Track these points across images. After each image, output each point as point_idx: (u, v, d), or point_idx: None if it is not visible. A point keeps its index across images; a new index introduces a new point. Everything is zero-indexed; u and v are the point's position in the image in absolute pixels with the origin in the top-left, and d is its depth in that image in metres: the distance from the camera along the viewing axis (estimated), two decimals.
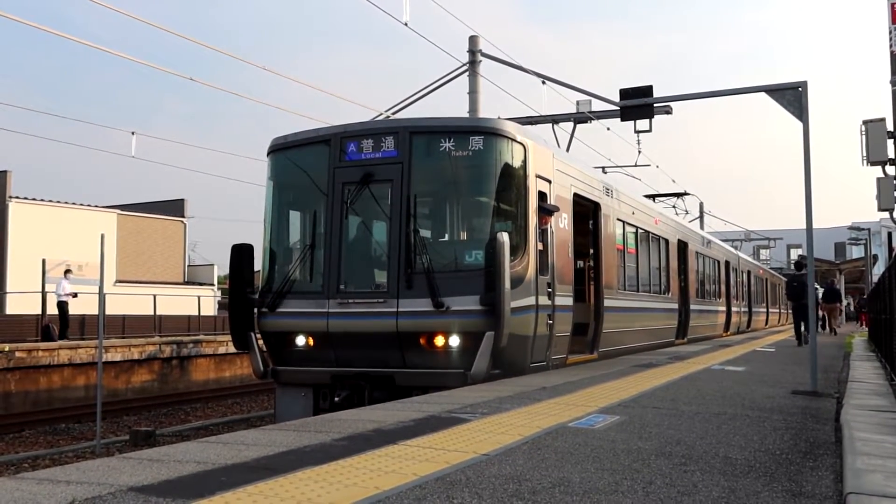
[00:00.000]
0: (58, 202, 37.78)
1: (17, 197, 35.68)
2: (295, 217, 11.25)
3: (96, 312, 15.31)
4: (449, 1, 18.71)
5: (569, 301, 11.47)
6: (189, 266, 47.48)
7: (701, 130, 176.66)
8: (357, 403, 9.21)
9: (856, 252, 63.13)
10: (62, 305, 22.80)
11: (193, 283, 45.21)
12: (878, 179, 16.73)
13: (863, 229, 48.80)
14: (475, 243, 10.04)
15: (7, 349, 18.56)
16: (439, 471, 4.37)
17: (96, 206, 40.35)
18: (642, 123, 14.44)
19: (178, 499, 3.66)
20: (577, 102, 18.61)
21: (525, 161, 10.25)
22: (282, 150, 11.00)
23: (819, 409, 7.72)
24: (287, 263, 10.85)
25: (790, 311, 48.15)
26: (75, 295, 22.82)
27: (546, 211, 10.67)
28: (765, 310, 39.81)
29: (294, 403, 10.31)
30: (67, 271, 23.63)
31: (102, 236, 13.57)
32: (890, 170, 16.75)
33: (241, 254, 10.81)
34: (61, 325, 22.74)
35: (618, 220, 14.61)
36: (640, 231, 16.36)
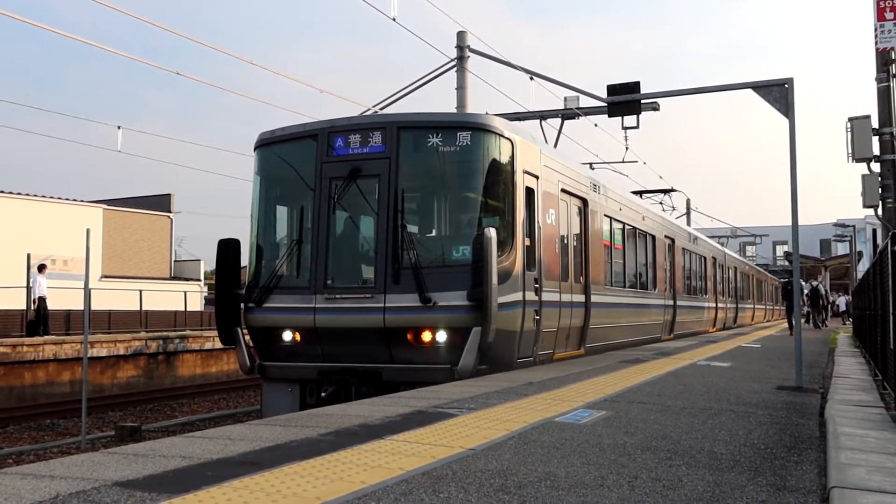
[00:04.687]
0: (42, 197, 37.49)
1: (0, 191, 35.39)
2: (282, 212, 11.21)
3: (82, 307, 15.21)
4: None
5: (556, 296, 11.49)
6: (175, 261, 47.22)
7: (688, 127, 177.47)
8: (344, 399, 9.19)
9: (841, 249, 63.56)
10: (40, 301, 22.51)
11: (180, 279, 45.00)
12: (863, 176, 16.81)
13: (848, 226, 49.18)
14: (462, 239, 10.03)
15: None
16: (426, 465, 4.37)
17: (82, 201, 40.07)
18: (629, 119, 14.44)
19: (163, 493, 3.64)
20: (565, 98, 18.62)
21: (513, 157, 10.25)
22: (269, 144, 10.96)
23: (804, 404, 7.77)
24: (274, 259, 10.81)
25: (775, 308, 49.41)
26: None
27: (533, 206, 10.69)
28: (751, 306, 40.03)
29: (281, 399, 10.28)
30: (42, 266, 23.29)
31: (88, 231, 13.48)
32: (875, 166, 16.83)
33: (228, 249, 10.76)
34: (38, 321, 22.42)
35: (605, 216, 14.64)
36: (627, 227, 16.40)
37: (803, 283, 33.25)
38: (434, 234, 10.84)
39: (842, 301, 47.61)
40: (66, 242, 33.73)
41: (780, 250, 75.02)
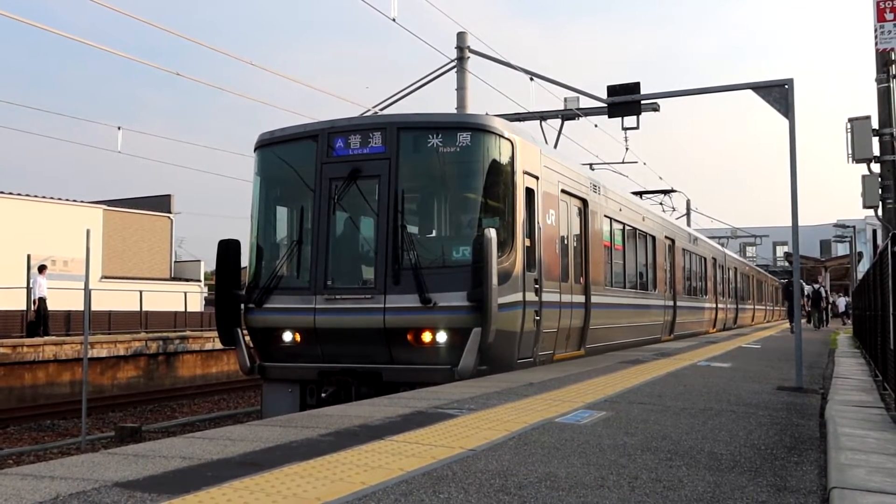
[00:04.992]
0: (42, 197, 37.50)
1: (0, 191, 35.40)
2: (282, 213, 11.21)
3: (82, 308, 15.21)
4: None
5: (556, 297, 11.48)
6: (175, 262, 47.24)
7: (688, 127, 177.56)
8: (344, 399, 9.19)
9: (841, 249, 63.56)
10: (41, 302, 22.50)
11: (180, 279, 45.01)
12: (864, 177, 16.82)
13: (848, 227, 49.19)
14: (462, 239, 10.03)
15: None
16: (426, 466, 4.37)
17: (82, 202, 40.08)
18: (630, 120, 14.46)
19: (164, 494, 3.64)
20: (565, 99, 18.65)
21: (513, 157, 10.25)
22: (269, 145, 10.96)
23: (804, 404, 7.77)
24: (274, 259, 10.81)
25: (775, 309, 49.66)
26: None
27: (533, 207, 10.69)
28: (751, 307, 40.02)
29: (281, 399, 10.28)
30: (42, 267, 23.29)
31: (88, 232, 13.47)
32: (875, 167, 16.85)
33: (228, 249, 10.76)
34: (38, 321, 22.41)
35: (605, 216, 14.64)
36: (627, 228, 16.40)
37: (804, 285, 33.78)
38: (434, 234, 10.84)
39: (841, 302, 47.70)
40: (66, 243, 33.74)
41: (781, 251, 75.04)
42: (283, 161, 10.83)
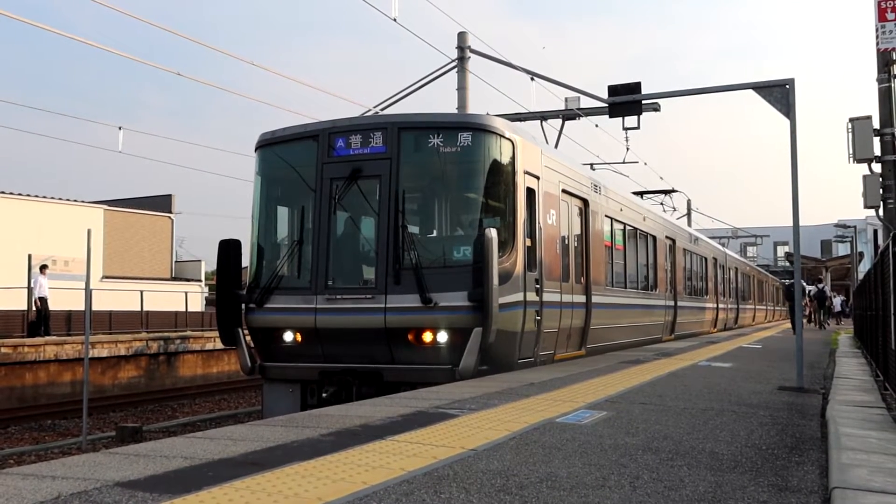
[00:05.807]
0: (43, 197, 37.50)
1: (0, 192, 35.39)
2: (283, 213, 11.22)
3: (83, 308, 15.22)
4: None
5: (557, 297, 11.48)
6: (176, 262, 47.23)
7: (688, 127, 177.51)
8: (345, 399, 9.19)
9: (842, 249, 63.57)
10: (42, 301, 22.52)
11: (181, 279, 45.00)
12: (865, 177, 16.81)
13: (849, 227, 49.22)
14: (463, 239, 10.04)
15: None
16: (427, 466, 4.37)
17: (83, 202, 40.09)
18: (630, 120, 14.46)
19: (165, 494, 3.64)
20: (566, 99, 18.65)
21: (513, 157, 10.26)
22: (270, 145, 10.96)
23: (805, 404, 7.77)
24: (275, 259, 10.81)
25: (776, 309, 49.86)
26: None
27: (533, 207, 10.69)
28: (752, 307, 40.02)
29: (281, 399, 10.29)
30: (43, 267, 23.30)
31: (89, 232, 13.47)
32: (876, 167, 16.84)
33: (229, 249, 10.77)
34: (39, 321, 22.42)
35: (606, 216, 14.64)
36: (628, 228, 16.39)
37: (806, 286, 33.89)
38: (435, 234, 10.84)
39: (837, 301, 47.79)
40: (66, 243, 33.73)
41: (781, 251, 75.05)
42: (284, 161, 10.84)
